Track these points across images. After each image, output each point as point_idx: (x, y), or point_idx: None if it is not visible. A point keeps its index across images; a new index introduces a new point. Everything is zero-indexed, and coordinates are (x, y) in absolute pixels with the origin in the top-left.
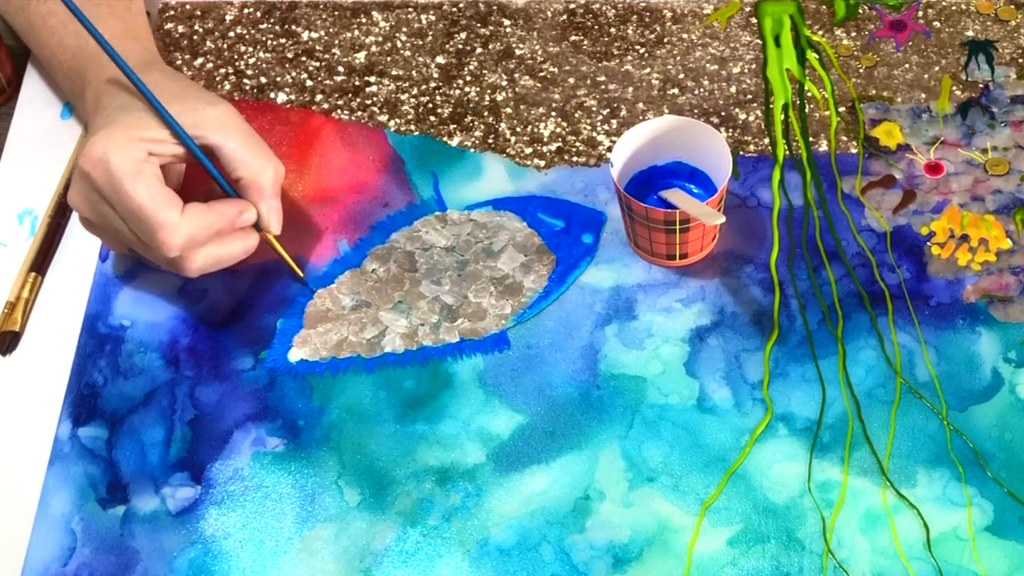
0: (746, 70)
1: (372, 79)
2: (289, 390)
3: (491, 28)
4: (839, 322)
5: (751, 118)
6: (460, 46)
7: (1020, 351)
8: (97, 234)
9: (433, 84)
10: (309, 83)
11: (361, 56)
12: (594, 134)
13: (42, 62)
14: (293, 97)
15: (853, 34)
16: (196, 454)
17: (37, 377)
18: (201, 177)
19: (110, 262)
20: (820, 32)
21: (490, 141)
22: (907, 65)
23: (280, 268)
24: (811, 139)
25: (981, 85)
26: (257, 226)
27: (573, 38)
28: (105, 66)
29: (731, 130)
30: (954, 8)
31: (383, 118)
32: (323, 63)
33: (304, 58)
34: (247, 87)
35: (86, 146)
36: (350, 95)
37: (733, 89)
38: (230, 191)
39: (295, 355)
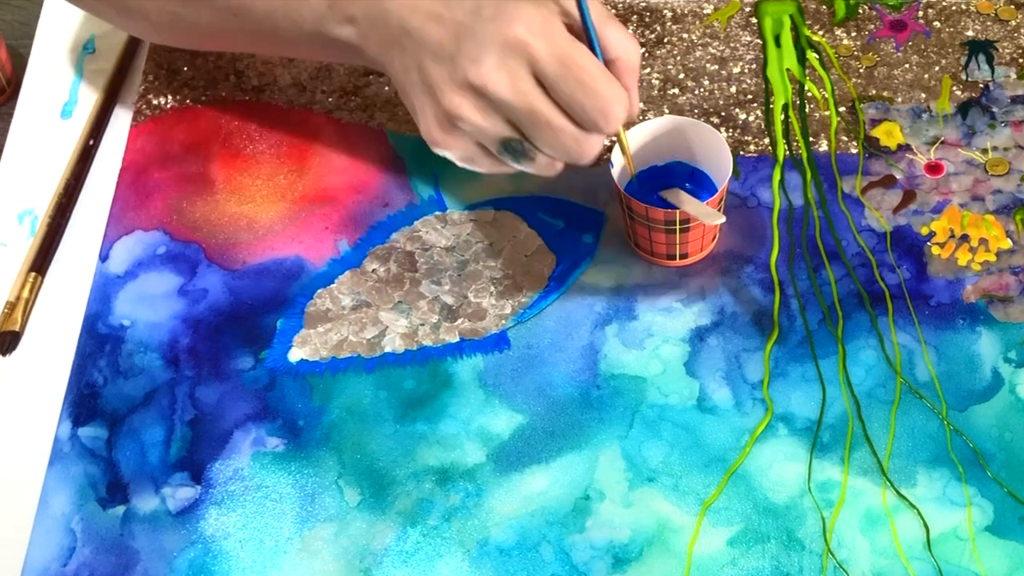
0: (746, 70)
1: (372, 79)
2: (289, 390)
3: None
4: (839, 322)
5: (751, 118)
6: None
7: (1020, 351)
8: (483, 128)
9: None
10: (309, 83)
11: None
12: None
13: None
14: (293, 97)
15: (853, 34)
16: (196, 454)
17: (37, 377)
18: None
19: (110, 262)
20: (820, 32)
21: None
22: (907, 65)
23: (280, 268)
24: (811, 139)
25: (981, 85)
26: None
27: None
28: None
29: (731, 130)
30: (954, 8)
31: (383, 118)
32: (323, 63)
33: None
34: (247, 87)
35: (512, 18)
36: (350, 95)
37: (733, 89)
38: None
39: (295, 355)
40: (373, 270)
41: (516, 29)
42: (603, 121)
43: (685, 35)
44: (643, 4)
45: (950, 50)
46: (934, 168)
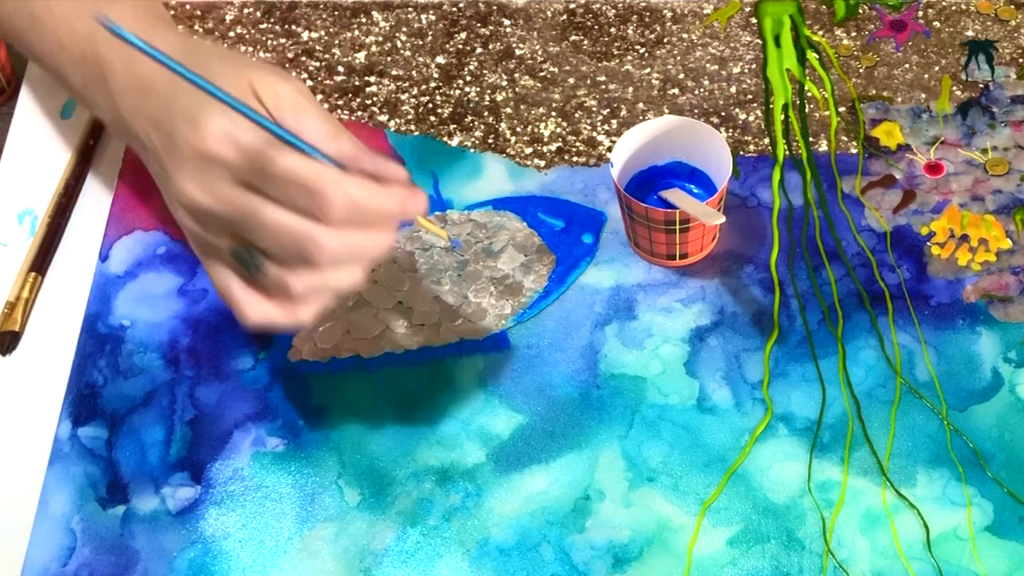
0: (746, 70)
1: (372, 79)
2: (289, 390)
3: (491, 28)
4: (839, 322)
5: (751, 118)
6: (460, 46)
7: (1020, 351)
8: (202, 237)
9: (433, 84)
10: (309, 83)
11: (361, 56)
12: (594, 134)
13: (42, 57)
14: None
15: (853, 34)
16: (196, 454)
17: (37, 377)
18: None
19: (110, 262)
20: (820, 32)
21: (490, 141)
22: (907, 65)
23: None
24: (811, 139)
25: (981, 85)
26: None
27: (573, 38)
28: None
29: (731, 130)
30: (954, 8)
31: (383, 118)
32: (323, 63)
33: (304, 58)
34: None
35: (199, 129)
36: (350, 95)
37: (733, 89)
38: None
39: (295, 355)
40: (373, 270)
41: (201, 145)
42: (320, 203)
43: (685, 35)
44: (643, 4)
45: (950, 50)
46: (934, 168)
